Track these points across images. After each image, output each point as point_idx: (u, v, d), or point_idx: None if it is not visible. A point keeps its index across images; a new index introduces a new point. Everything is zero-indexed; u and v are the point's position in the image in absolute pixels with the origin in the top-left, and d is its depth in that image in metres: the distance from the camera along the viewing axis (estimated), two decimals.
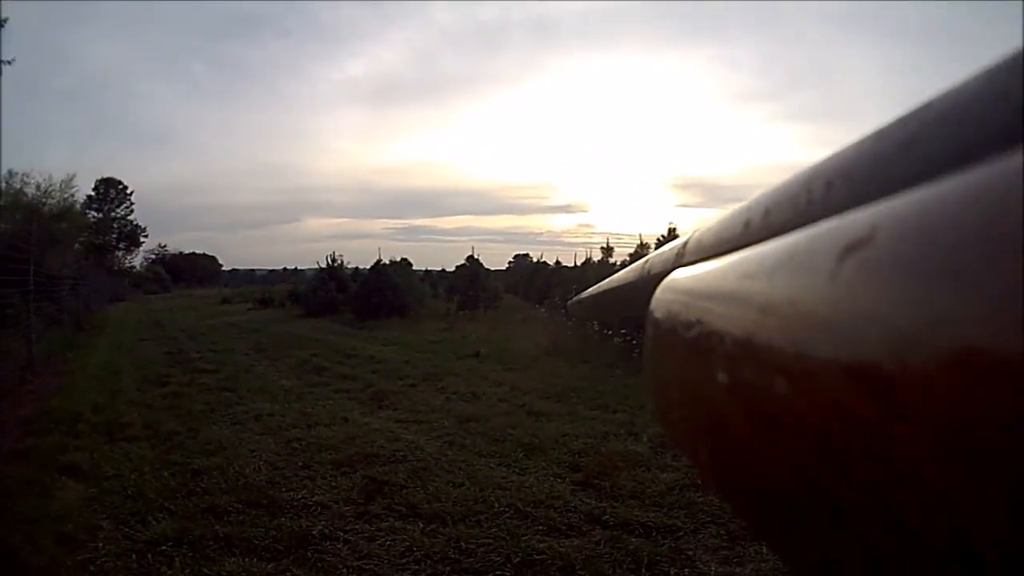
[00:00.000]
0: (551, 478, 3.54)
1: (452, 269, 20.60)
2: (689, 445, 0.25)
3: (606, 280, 0.80)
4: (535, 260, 17.10)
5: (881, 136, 0.17)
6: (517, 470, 3.67)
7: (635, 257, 11.01)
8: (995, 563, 0.10)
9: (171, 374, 7.24)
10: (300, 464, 3.86)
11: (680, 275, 0.30)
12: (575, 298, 1.23)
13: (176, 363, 8.25)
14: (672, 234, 10.72)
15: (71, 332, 11.83)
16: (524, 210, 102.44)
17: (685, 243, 0.36)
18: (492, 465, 3.75)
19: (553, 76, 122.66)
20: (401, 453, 3.97)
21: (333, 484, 3.50)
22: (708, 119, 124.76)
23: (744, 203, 0.27)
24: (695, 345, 0.23)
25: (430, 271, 21.75)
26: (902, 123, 0.16)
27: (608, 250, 11.83)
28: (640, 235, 12.35)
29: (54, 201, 16.32)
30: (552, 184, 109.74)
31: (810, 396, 0.14)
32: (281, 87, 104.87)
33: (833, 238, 0.15)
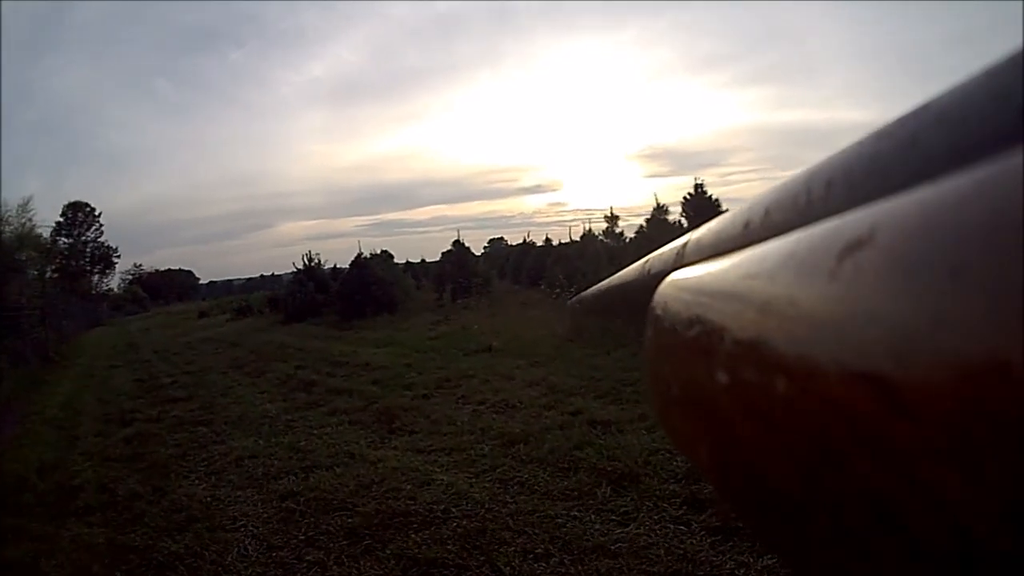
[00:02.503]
0: (670, 526, 2.35)
1: (431, 260, 19.43)
2: (690, 445, 0.24)
3: (606, 280, 0.79)
4: (523, 240, 15.74)
5: (881, 136, 0.17)
6: (615, 517, 2.47)
7: (652, 222, 9.95)
8: (995, 565, 0.10)
9: (138, 408, 5.93)
10: (302, 537, 2.63)
11: (680, 275, 0.29)
12: (576, 297, 1.16)
13: (145, 392, 6.93)
14: (699, 190, 9.64)
15: (38, 367, 10.57)
16: (495, 194, 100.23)
17: (685, 243, 0.36)
18: (575, 512, 2.54)
19: (515, 59, 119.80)
20: (440, 506, 2.73)
21: (356, 573, 2.27)
22: (671, 87, 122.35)
23: (744, 203, 0.27)
24: (695, 345, 0.22)
25: (410, 263, 20.27)
26: (902, 123, 0.16)
27: (613, 218, 10.53)
28: (655, 195, 11.31)
29: (11, 228, 14.47)
30: (521, 166, 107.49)
31: (811, 396, 0.14)
32: (244, 96, 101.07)
33: (833, 238, 0.15)
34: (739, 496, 0.20)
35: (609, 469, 2.90)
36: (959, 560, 0.10)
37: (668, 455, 3.00)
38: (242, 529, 2.81)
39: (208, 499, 3.24)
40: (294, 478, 3.32)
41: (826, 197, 0.19)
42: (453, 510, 2.68)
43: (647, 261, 0.48)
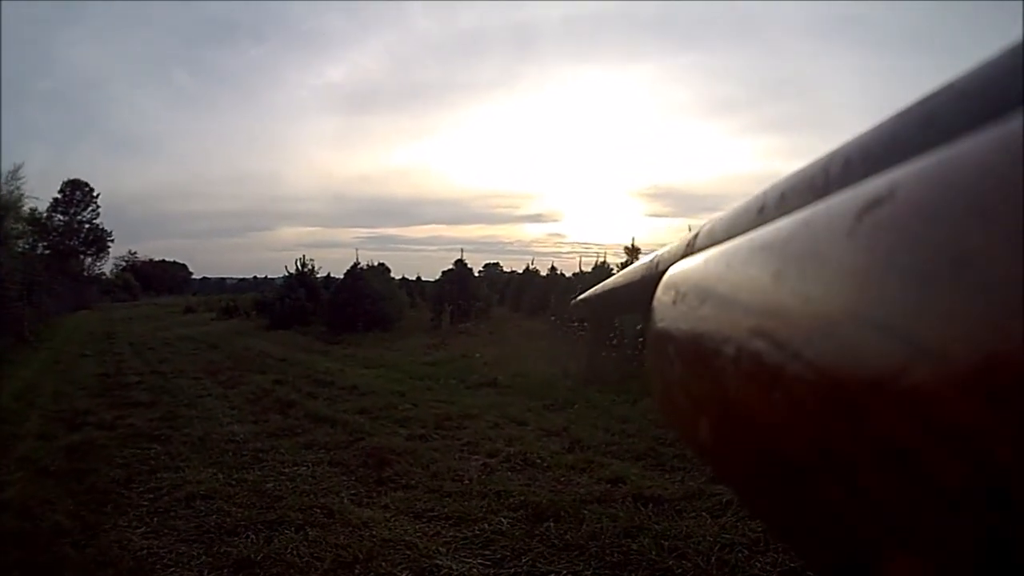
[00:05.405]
0: None
1: (427, 278, 18.67)
2: (691, 422, 0.23)
3: (611, 278, 0.79)
4: (526, 268, 14.98)
5: (900, 117, 0.17)
6: None
7: None
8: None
9: (94, 409, 5.15)
10: None
11: (688, 260, 0.27)
12: (579, 297, 1.11)
13: (107, 390, 6.13)
14: None
15: (9, 346, 9.89)
16: (494, 219, 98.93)
17: (696, 235, 0.34)
18: None
19: (530, 85, 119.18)
20: None
21: None
22: (682, 129, 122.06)
23: (759, 190, 0.25)
24: (704, 319, 0.21)
25: (407, 279, 19.43)
26: (922, 103, 0.16)
27: (634, 251, 9.80)
28: (689, 228, 10.57)
29: None
30: (523, 193, 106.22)
31: (827, 349, 0.13)
32: (258, 94, 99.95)
33: (851, 201, 0.14)
34: (742, 472, 0.19)
35: (677, 571, 2.14)
36: (986, 501, 0.10)
37: (746, 552, 2.25)
38: None
39: (143, 553, 2.48)
40: (254, 537, 2.53)
41: (844, 175, 0.18)
42: None
43: (655, 258, 0.46)
